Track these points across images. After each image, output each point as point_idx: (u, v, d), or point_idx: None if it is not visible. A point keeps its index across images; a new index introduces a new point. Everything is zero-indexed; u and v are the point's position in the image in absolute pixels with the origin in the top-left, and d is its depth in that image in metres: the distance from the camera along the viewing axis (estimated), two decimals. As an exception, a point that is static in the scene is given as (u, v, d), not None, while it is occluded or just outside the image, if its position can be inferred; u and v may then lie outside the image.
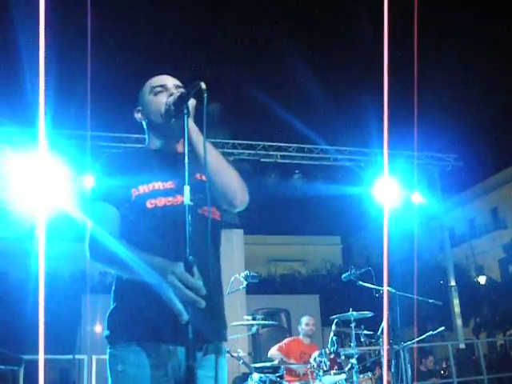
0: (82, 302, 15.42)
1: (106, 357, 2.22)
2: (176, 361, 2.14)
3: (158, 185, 2.30)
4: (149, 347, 2.14)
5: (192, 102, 2.25)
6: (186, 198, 2.03)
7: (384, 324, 5.79)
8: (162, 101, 2.35)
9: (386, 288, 5.67)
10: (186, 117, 2.16)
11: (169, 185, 2.30)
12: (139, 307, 2.16)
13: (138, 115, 2.50)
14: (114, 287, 2.31)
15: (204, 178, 2.34)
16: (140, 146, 2.58)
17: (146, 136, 2.51)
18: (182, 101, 2.21)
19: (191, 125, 2.23)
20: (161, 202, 2.26)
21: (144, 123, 2.49)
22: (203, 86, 2.16)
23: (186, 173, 2.06)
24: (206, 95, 2.15)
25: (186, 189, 2.04)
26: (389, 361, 6.16)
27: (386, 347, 6.06)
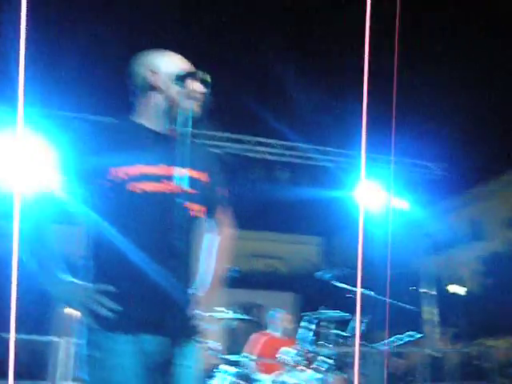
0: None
1: (83, 341, 2.19)
2: (155, 349, 2.10)
3: (147, 168, 2.22)
4: (128, 335, 2.12)
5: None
6: (178, 180, 2.06)
7: (357, 326, 5.84)
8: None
9: (359, 290, 5.70)
10: (183, 97, 2.18)
11: (158, 169, 2.24)
12: (118, 293, 2.14)
13: (150, 74, 2.34)
14: (92, 263, 2.25)
15: (199, 175, 2.34)
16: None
17: (140, 103, 2.39)
18: (181, 78, 2.23)
19: None
20: (148, 186, 2.20)
21: (154, 91, 2.35)
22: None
23: (181, 154, 2.05)
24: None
25: (178, 171, 2.06)
26: (360, 362, 6.21)
27: (357, 348, 6.11)
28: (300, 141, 14.15)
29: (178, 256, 1.99)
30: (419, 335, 6.92)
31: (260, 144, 13.76)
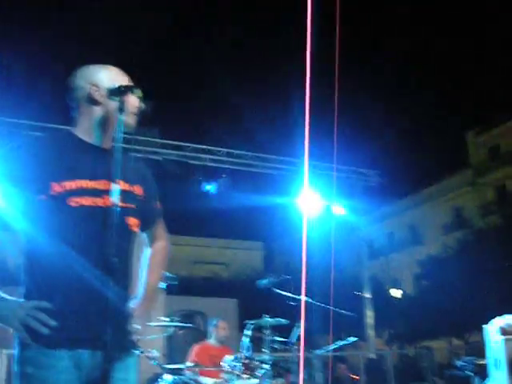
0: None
1: (14, 355, 2.14)
2: (91, 364, 2.09)
3: (86, 183, 2.21)
4: (64, 351, 2.09)
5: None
6: (115, 195, 2.03)
7: (301, 333, 5.87)
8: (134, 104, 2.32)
9: (303, 298, 5.73)
10: (121, 112, 2.16)
11: (97, 184, 2.23)
12: (54, 308, 2.11)
13: (92, 88, 2.32)
14: (28, 277, 2.21)
15: (134, 189, 2.36)
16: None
17: (81, 117, 2.36)
18: (117, 93, 2.21)
19: None
20: (87, 201, 2.19)
21: (95, 105, 2.33)
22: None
23: (118, 169, 2.06)
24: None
25: (115, 186, 2.03)
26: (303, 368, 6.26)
27: (302, 355, 6.16)
28: (242, 148, 14.25)
29: (115, 270, 1.99)
30: (357, 339, 7.02)
31: (201, 151, 13.75)
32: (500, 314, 6.21)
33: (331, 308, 6.59)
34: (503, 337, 5.90)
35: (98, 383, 1.95)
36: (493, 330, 6.10)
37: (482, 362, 8.50)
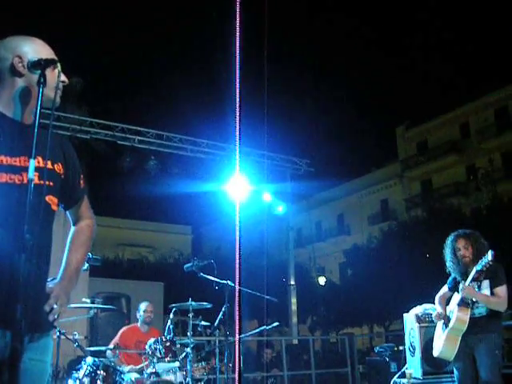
0: None
1: None
2: (2, 343, 2.04)
3: (2, 159, 2.14)
4: None
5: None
6: (31, 171, 1.94)
7: (236, 317, 5.87)
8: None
9: (238, 286, 5.71)
10: (41, 86, 2.07)
11: (14, 160, 2.16)
12: None
13: (16, 60, 2.24)
14: None
15: (54, 167, 2.29)
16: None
17: (2, 89, 2.28)
18: (38, 66, 2.14)
19: None
20: (3, 178, 2.13)
21: (18, 77, 2.26)
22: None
23: (34, 144, 1.97)
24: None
25: (32, 163, 1.94)
26: (223, 352, 6.30)
27: (237, 338, 6.18)
28: (172, 131, 14.11)
29: (28, 248, 1.90)
30: (278, 324, 7.09)
31: (130, 131, 13.52)
32: (420, 303, 6.45)
33: (256, 294, 6.62)
34: (418, 324, 6.15)
35: (11, 364, 1.88)
36: (410, 318, 6.33)
37: (398, 349, 8.83)
